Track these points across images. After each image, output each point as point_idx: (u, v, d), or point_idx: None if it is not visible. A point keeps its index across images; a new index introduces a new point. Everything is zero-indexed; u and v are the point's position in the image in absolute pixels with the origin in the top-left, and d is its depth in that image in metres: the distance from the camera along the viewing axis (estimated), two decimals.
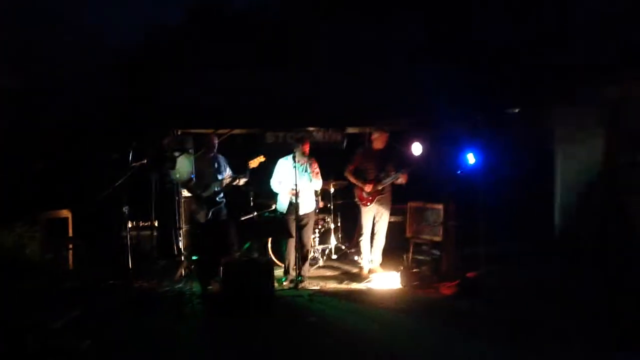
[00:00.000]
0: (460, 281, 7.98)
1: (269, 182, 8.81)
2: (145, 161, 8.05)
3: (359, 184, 8.89)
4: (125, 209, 8.13)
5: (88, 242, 9.01)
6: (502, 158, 8.45)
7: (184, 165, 8.42)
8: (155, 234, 9.32)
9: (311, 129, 9.96)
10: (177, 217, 8.91)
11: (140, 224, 9.35)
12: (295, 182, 8.27)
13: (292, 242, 8.53)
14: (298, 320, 6.83)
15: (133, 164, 8.02)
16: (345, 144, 10.19)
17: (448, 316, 6.96)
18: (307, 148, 8.57)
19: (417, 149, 8.93)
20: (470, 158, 8.04)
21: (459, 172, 8.28)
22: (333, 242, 9.97)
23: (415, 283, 8.26)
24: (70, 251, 9.02)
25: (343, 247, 10.13)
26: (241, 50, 9.32)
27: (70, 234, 9.18)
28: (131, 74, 9.12)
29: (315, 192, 9.03)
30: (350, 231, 10.26)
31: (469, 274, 8.09)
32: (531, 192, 8.93)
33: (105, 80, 9.45)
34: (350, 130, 10.26)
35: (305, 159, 8.51)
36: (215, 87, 9.44)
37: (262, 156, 8.61)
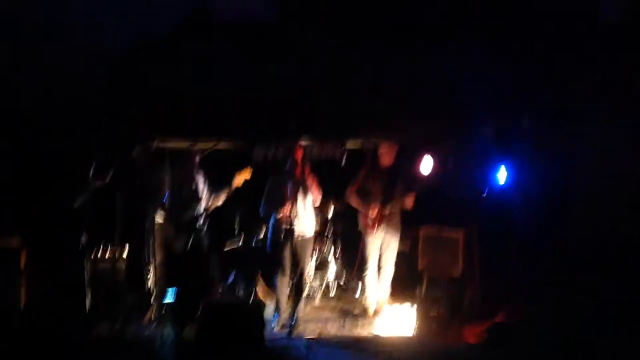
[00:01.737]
0: (489, 326, 6.61)
1: (257, 203, 7.42)
2: (108, 178, 6.64)
3: (363, 209, 7.54)
4: (83, 238, 6.72)
5: (46, 275, 7.55)
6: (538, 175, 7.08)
7: (156, 185, 7.03)
8: (123, 265, 7.98)
9: (304, 143, 8.60)
10: (147, 246, 7.44)
11: (107, 253, 7.90)
12: (289, 204, 6.98)
13: (285, 275, 7.14)
14: None
15: (95, 182, 6.62)
16: (344, 161, 8.85)
17: None
18: (299, 155, 7.19)
19: (427, 164, 7.60)
20: (501, 175, 6.68)
21: (484, 194, 6.93)
22: (331, 275, 8.59)
23: (433, 328, 6.90)
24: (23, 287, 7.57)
25: (341, 283, 8.74)
26: (229, 51, 7.86)
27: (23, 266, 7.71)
28: (110, 77, 7.64)
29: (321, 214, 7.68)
30: (351, 263, 8.89)
31: (498, 317, 6.72)
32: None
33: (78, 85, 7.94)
34: (351, 145, 8.91)
35: (301, 171, 7.12)
36: (197, 93, 8.01)
37: (248, 169, 7.22)
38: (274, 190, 7.20)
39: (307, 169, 7.13)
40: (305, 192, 7.14)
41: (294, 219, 6.94)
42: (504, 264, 7.03)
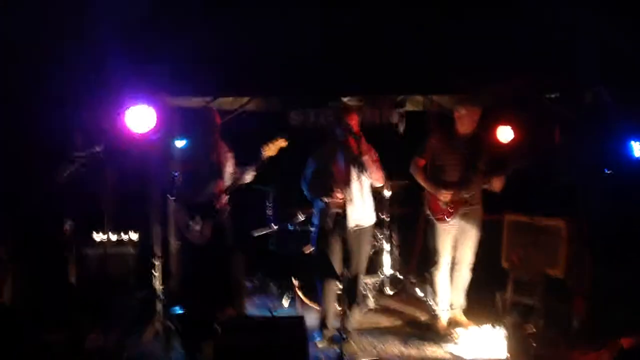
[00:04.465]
0: (613, 351, 4.80)
1: (293, 180, 5.78)
2: (99, 149, 4.95)
3: (433, 190, 5.75)
4: (68, 225, 5.07)
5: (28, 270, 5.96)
6: None
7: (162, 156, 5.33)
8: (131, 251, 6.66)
9: (351, 102, 6.85)
10: (152, 234, 5.74)
11: (112, 238, 6.55)
12: (343, 182, 5.29)
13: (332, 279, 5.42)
14: None
15: (77, 155, 4.94)
16: (404, 127, 7.07)
17: None
18: (354, 122, 5.41)
19: (504, 135, 5.81)
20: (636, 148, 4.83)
21: (607, 170, 5.07)
22: (388, 269, 6.84)
23: (531, 350, 5.12)
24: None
25: (403, 278, 6.97)
26: None
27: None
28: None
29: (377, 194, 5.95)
30: (410, 254, 7.18)
31: (625, 340, 4.91)
32: None
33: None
34: (412, 106, 7.12)
35: (356, 143, 5.32)
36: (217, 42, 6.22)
37: (282, 139, 5.47)
38: (320, 167, 5.46)
39: (364, 140, 5.35)
40: (361, 170, 5.40)
41: (347, 204, 5.19)
42: (628, 268, 5.20)
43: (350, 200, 5.31)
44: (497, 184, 5.62)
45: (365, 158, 5.35)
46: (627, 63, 5.16)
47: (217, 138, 5.67)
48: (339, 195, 5.23)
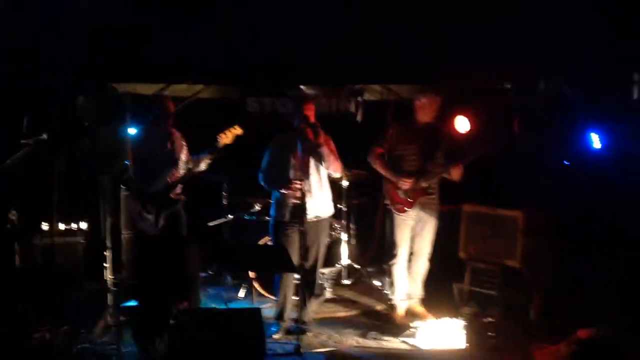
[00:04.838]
0: (571, 343, 4.81)
1: (250, 169, 5.64)
2: (45, 135, 4.73)
3: (392, 179, 5.68)
4: (12, 215, 4.84)
5: None
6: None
7: (111, 143, 5.10)
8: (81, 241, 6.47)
9: (309, 91, 6.74)
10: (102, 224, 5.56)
11: (61, 228, 6.38)
12: (302, 173, 5.20)
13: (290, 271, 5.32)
14: None
15: (25, 141, 4.71)
16: (360, 116, 6.99)
17: None
18: (311, 112, 5.31)
19: (462, 126, 5.77)
20: (595, 140, 4.81)
21: (566, 162, 5.06)
22: (345, 259, 6.77)
23: (490, 340, 5.10)
24: None
25: (359, 268, 6.91)
26: None
27: None
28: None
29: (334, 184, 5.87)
30: (368, 244, 7.11)
31: (581, 332, 4.92)
32: None
33: None
34: (370, 95, 7.04)
35: (314, 133, 5.22)
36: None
37: (238, 127, 5.32)
38: (278, 157, 5.35)
39: (321, 131, 5.26)
40: (319, 160, 5.30)
41: (306, 195, 5.09)
42: (587, 260, 5.22)
43: (309, 191, 5.22)
44: (456, 173, 5.58)
45: (323, 148, 5.26)
46: (586, 54, 5.16)
47: (170, 126, 5.49)
48: (297, 187, 5.13)
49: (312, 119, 5.26)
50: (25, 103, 4.94)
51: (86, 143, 5.13)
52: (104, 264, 5.33)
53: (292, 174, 5.27)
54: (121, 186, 5.25)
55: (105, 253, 5.28)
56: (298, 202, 5.14)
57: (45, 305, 5.31)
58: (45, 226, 6.54)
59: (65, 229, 6.75)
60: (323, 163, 5.35)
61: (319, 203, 5.36)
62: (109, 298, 5.18)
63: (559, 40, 5.34)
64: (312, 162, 5.33)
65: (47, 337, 4.92)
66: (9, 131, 4.84)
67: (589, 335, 4.84)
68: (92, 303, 5.71)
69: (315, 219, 5.33)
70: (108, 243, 5.22)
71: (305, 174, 5.23)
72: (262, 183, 5.49)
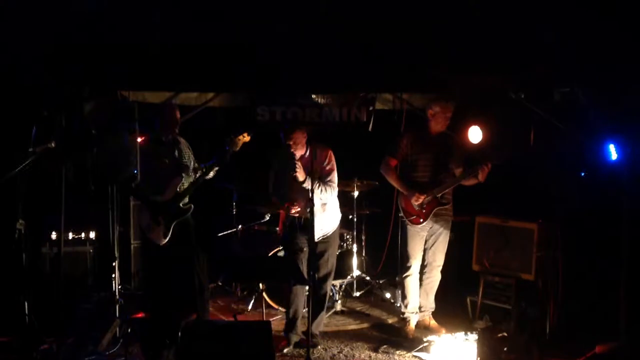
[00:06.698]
0: (588, 359, 4.71)
1: (260, 178, 5.63)
2: (54, 144, 4.67)
3: (406, 192, 5.58)
4: (20, 225, 4.78)
5: None
6: None
7: (120, 152, 5.05)
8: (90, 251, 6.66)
9: (319, 99, 6.68)
10: (112, 234, 5.47)
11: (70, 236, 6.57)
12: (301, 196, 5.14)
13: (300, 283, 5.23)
14: None
15: (34, 149, 4.65)
16: (372, 125, 6.91)
17: None
18: (294, 141, 5.17)
19: (475, 135, 5.65)
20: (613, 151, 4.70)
21: (583, 173, 4.95)
22: (355, 271, 6.67)
23: (504, 356, 4.98)
24: None
25: (371, 280, 6.81)
26: None
27: None
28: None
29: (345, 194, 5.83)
30: (379, 255, 7.01)
31: (599, 347, 4.81)
32: None
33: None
34: (381, 105, 6.96)
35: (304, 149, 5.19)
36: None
37: (245, 134, 5.27)
38: (280, 171, 5.32)
39: (321, 151, 5.19)
40: (318, 180, 5.16)
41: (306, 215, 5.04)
42: (604, 273, 5.10)
43: (312, 213, 5.05)
44: (482, 174, 5.43)
45: (318, 171, 5.15)
46: (604, 63, 5.05)
47: (177, 134, 5.44)
48: (296, 209, 5.12)
49: (294, 148, 5.14)
50: (33, 112, 4.88)
51: (94, 152, 5.05)
52: (113, 275, 5.28)
53: (290, 194, 5.23)
54: (131, 196, 5.19)
55: (113, 263, 5.23)
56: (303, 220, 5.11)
57: (52, 315, 5.23)
58: (53, 235, 6.52)
59: (74, 238, 6.73)
60: (321, 182, 5.22)
61: (323, 222, 5.27)
62: (117, 309, 5.10)
63: (572, 47, 5.25)
64: (310, 184, 5.16)
65: (54, 349, 4.88)
66: (17, 140, 4.77)
67: (607, 350, 4.76)
68: (100, 313, 5.66)
69: (322, 238, 5.27)
70: (116, 253, 5.15)
71: (305, 198, 5.07)
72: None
